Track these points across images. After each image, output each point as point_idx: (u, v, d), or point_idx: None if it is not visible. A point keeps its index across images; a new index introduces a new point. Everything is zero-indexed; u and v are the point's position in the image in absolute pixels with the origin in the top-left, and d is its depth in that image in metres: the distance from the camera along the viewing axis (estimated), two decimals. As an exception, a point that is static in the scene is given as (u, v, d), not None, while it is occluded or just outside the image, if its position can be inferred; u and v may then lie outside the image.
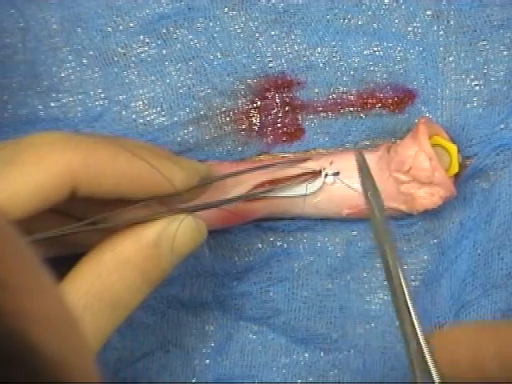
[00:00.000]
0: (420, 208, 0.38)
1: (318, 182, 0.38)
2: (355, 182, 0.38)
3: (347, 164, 0.38)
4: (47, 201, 0.28)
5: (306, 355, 0.41)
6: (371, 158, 0.38)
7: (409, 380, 0.39)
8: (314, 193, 0.38)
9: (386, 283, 0.41)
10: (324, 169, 0.38)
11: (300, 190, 0.38)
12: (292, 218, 0.41)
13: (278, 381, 0.41)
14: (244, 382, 0.41)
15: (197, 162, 0.36)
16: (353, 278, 0.41)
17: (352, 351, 0.41)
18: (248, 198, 0.37)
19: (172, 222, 0.31)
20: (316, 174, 0.38)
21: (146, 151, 0.31)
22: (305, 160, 0.39)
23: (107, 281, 0.29)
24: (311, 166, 0.39)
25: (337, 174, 0.38)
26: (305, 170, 0.39)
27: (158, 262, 0.31)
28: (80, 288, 0.29)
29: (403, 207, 0.38)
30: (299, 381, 0.41)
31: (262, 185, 0.38)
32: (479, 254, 0.39)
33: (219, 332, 0.41)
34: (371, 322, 0.41)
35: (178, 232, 0.31)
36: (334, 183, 0.38)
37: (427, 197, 0.37)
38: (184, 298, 0.41)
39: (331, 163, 0.39)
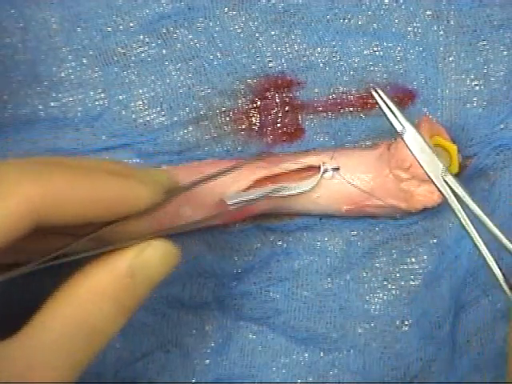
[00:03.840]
0: (419, 206, 0.38)
1: (316, 177, 0.38)
2: (355, 178, 0.38)
3: (348, 160, 0.38)
4: (7, 240, 0.27)
5: (306, 355, 0.41)
6: (372, 155, 0.39)
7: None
8: (312, 188, 0.38)
9: (385, 283, 0.41)
10: (324, 163, 0.38)
11: (300, 187, 0.39)
12: (290, 217, 0.41)
13: (278, 381, 0.41)
14: (244, 382, 0.41)
15: (160, 171, 0.35)
16: (352, 278, 0.41)
17: (352, 351, 0.41)
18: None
19: (144, 249, 0.31)
20: (316, 169, 0.39)
21: (103, 171, 0.30)
22: (305, 155, 0.39)
23: (83, 313, 0.29)
24: (311, 161, 0.39)
25: (337, 169, 0.38)
26: (304, 165, 0.39)
27: (133, 291, 0.30)
28: (56, 321, 0.28)
29: (402, 205, 0.38)
30: (299, 381, 0.41)
31: (262, 180, 0.39)
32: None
33: (219, 332, 0.41)
34: (371, 321, 0.41)
35: (151, 259, 0.31)
36: (333, 178, 0.38)
37: (427, 194, 0.38)
38: (184, 298, 0.41)
39: (332, 158, 0.39)
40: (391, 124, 0.35)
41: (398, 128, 0.35)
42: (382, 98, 0.35)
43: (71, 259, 0.30)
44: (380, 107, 0.35)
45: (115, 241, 0.30)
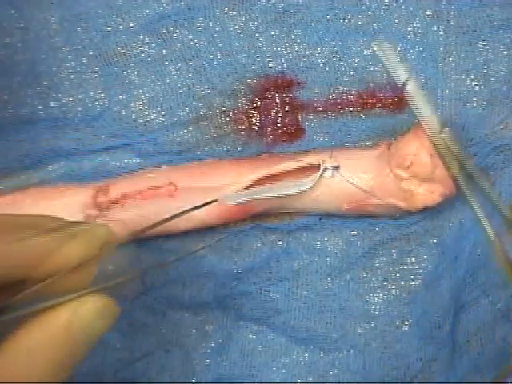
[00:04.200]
0: (419, 205, 0.38)
1: (316, 175, 0.38)
2: (355, 177, 0.38)
3: (348, 160, 0.38)
4: None
5: (306, 355, 0.41)
6: (372, 155, 0.38)
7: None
8: (312, 187, 0.38)
9: (385, 283, 0.41)
10: (324, 162, 0.38)
11: (300, 185, 0.38)
12: (290, 217, 0.41)
13: (278, 381, 0.41)
14: (244, 382, 0.41)
15: (98, 225, 0.35)
16: (352, 278, 0.41)
17: (352, 351, 0.41)
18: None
19: (80, 305, 0.30)
20: (316, 168, 0.39)
21: (33, 229, 0.30)
22: (305, 155, 0.39)
23: (22, 373, 0.28)
24: (311, 160, 0.39)
25: (337, 167, 0.38)
26: (304, 164, 0.39)
27: (71, 348, 0.30)
28: None
29: (402, 204, 0.38)
30: (299, 381, 0.41)
31: (262, 179, 0.39)
32: (479, 254, 0.39)
33: (219, 332, 0.41)
34: (371, 321, 0.41)
35: (88, 315, 0.30)
36: (333, 177, 0.38)
37: (427, 194, 0.37)
38: (184, 298, 0.41)
39: (331, 157, 0.39)
40: (393, 77, 0.34)
41: (400, 80, 0.34)
42: (383, 52, 0.34)
43: (8, 317, 0.30)
44: (382, 62, 0.33)
45: (54, 294, 0.30)
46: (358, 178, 0.38)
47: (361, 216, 0.40)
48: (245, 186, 0.38)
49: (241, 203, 0.38)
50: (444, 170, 0.37)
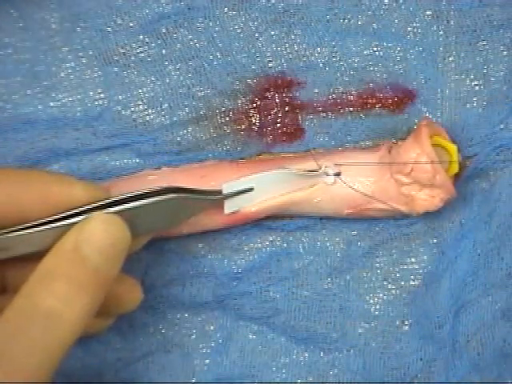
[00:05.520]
0: (420, 209, 0.38)
1: (317, 179, 0.38)
2: (356, 182, 0.38)
3: (348, 165, 0.38)
4: None
5: (306, 355, 0.41)
6: (372, 158, 0.38)
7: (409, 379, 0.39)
8: (312, 185, 0.38)
9: (385, 283, 0.41)
10: (326, 167, 0.38)
11: (299, 184, 0.39)
12: (290, 216, 0.41)
13: (278, 381, 0.41)
14: (244, 382, 0.41)
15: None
16: (353, 278, 0.41)
17: (352, 351, 0.41)
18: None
19: (85, 224, 0.30)
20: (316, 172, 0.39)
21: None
22: (306, 159, 0.39)
23: (35, 298, 0.28)
24: (312, 165, 0.39)
25: (338, 174, 0.38)
26: (305, 168, 0.39)
27: (82, 266, 0.29)
28: (9, 315, 0.27)
29: (404, 208, 0.38)
30: (299, 381, 0.41)
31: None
32: (479, 254, 0.39)
33: (219, 332, 0.41)
34: (371, 321, 0.41)
35: (94, 230, 0.30)
36: (335, 183, 0.38)
37: (428, 198, 0.37)
38: (184, 297, 0.41)
39: (332, 164, 0.39)
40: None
41: None
42: None
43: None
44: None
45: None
46: (358, 182, 0.38)
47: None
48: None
49: (239, 210, 0.38)
50: (445, 176, 0.37)
